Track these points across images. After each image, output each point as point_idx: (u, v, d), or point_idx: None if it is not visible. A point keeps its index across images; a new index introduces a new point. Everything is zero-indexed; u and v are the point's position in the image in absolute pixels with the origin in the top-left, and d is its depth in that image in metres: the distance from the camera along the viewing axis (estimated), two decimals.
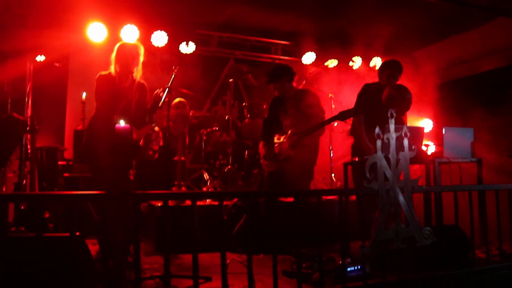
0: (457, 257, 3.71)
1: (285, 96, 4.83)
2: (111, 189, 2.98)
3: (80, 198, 2.46)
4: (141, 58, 3.84)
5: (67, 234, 2.50)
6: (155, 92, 3.92)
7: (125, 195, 2.44)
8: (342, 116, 4.19)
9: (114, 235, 2.93)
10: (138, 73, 3.82)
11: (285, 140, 4.59)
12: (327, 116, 4.73)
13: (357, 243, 3.37)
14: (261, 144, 4.96)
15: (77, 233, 2.48)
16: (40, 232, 2.32)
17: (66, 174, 5.59)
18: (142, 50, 3.90)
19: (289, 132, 4.58)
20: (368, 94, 4.64)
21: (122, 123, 2.97)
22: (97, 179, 3.60)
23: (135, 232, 2.45)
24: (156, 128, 5.43)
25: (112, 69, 3.78)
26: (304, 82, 7.14)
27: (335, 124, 6.88)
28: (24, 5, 5.91)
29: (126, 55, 3.79)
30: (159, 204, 4.56)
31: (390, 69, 4.59)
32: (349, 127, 6.20)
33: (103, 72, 3.83)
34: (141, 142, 3.87)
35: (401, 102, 4.29)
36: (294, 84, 4.87)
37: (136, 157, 3.42)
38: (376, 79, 4.77)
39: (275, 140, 4.79)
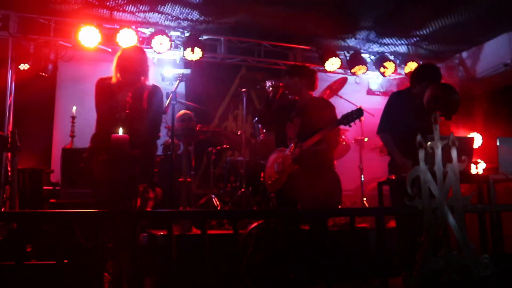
0: None
1: (295, 101, 4.73)
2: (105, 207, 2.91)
3: (68, 217, 2.39)
4: (147, 64, 3.87)
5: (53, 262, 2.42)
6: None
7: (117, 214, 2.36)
8: (345, 119, 4.14)
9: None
10: (145, 80, 3.87)
11: (288, 153, 4.46)
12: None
13: (396, 280, 3.22)
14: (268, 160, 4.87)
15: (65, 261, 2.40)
16: (20, 259, 2.25)
17: (52, 200, 5.52)
18: (145, 55, 3.93)
19: (293, 145, 4.45)
20: (397, 104, 4.55)
21: (120, 132, 2.93)
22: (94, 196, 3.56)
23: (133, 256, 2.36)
24: None
25: (113, 77, 3.80)
26: (328, 91, 7.07)
27: (366, 139, 6.80)
28: (6, 5, 5.98)
29: (129, 60, 3.80)
30: (161, 233, 4.46)
31: (428, 81, 4.40)
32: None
33: (104, 77, 3.87)
34: None
35: (447, 104, 4.14)
36: (311, 94, 4.79)
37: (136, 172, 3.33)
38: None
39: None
